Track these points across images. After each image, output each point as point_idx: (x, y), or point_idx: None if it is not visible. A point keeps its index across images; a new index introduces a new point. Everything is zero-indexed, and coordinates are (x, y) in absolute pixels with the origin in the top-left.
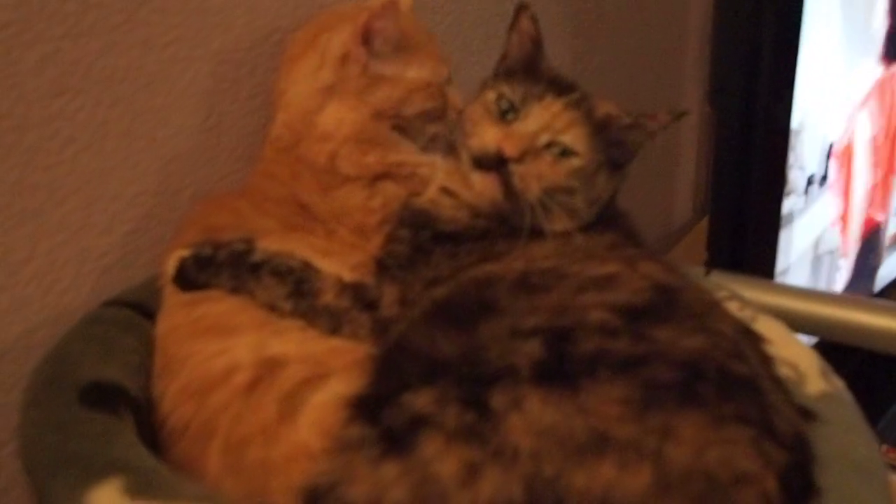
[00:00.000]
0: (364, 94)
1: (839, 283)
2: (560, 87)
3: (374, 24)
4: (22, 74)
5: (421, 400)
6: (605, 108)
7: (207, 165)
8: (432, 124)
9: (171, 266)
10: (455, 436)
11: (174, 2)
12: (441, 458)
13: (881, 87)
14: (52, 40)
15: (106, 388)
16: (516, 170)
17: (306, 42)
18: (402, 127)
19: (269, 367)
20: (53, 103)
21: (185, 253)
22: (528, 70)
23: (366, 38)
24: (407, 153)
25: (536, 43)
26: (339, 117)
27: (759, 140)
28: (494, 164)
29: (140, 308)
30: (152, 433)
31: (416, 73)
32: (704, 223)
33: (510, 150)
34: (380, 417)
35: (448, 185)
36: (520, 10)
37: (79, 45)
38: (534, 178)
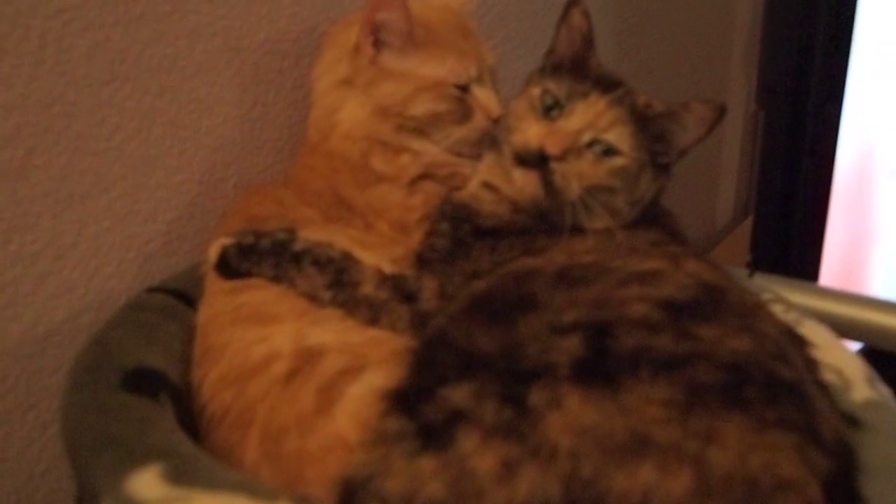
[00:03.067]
0: (369, 89)
1: None
2: (606, 84)
3: (377, 14)
4: (73, 62)
5: (458, 394)
6: (644, 99)
7: (251, 155)
8: (455, 127)
9: (213, 254)
10: (493, 432)
11: None
12: (478, 454)
13: None
14: (104, 28)
15: (148, 373)
16: (558, 168)
17: (333, 35)
18: (416, 129)
19: (308, 357)
20: (103, 91)
21: (227, 241)
22: (575, 66)
23: (371, 28)
24: (433, 155)
25: (587, 38)
26: (354, 115)
27: (808, 140)
28: (536, 161)
29: (182, 295)
30: (191, 420)
31: (429, 70)
32: (746, 224)
33: (552, 148)
34: (417, 411)
35: (490, 180)
36: (571, 3)
37: (129, 33)
38: (575, 176)
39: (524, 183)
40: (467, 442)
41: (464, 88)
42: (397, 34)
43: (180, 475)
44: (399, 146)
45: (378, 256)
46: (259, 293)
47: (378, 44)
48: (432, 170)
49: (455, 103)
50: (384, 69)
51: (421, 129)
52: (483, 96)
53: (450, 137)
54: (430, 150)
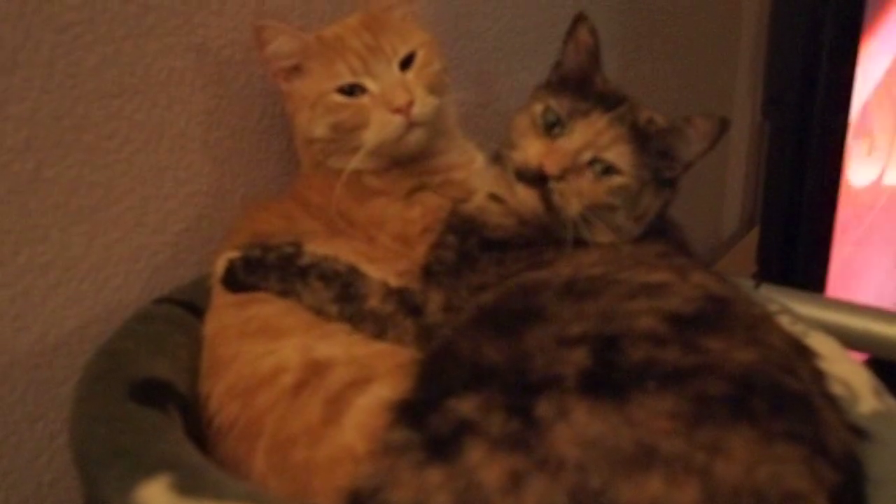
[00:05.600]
0: (293, 122)
1: None
2: (609, 101)
3: (266, 49)
4: (83, 75)
5: (465, 406)
6: (646, 114)
7: (259, 167)
8: (363, 132)
9: (220, 267)
10: (499, 443)
11: (232, 5)
12: (485, 466)
13: None
14: (113, 42)
15: (156, 384)
16: (556, 187)
17: None
18: (336, 149)
19: (315, 370)
20: (112, 103)
21: (234, 255)
22: (580, 82)
23: (270, 64)
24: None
25: (593, 55)
26: (300, 154)
27: (814, 151)
28: (535, 179)
29: (189, 306)
30: (199, 431)
31: (312, 85)
32: (752, 235)
33: (551, 168)
34: (424, 422)
35: (496, 192)
36: (578, 20)
37: (138, 46)
38: (574, 195)
39: (525, 198)
40: (474, 453)
41: (352, 89)
42: (294, 56)
43: (189, 486)
44: (339, 169)
45: (384, 270)
46: (266, 307)
47: (289, 75)
48: (425, 179)
49: (344, 109)
50: (295, 101)
51: (338, 146)
52: (378, 86)
53: (365, 146)
54: (370, 163)
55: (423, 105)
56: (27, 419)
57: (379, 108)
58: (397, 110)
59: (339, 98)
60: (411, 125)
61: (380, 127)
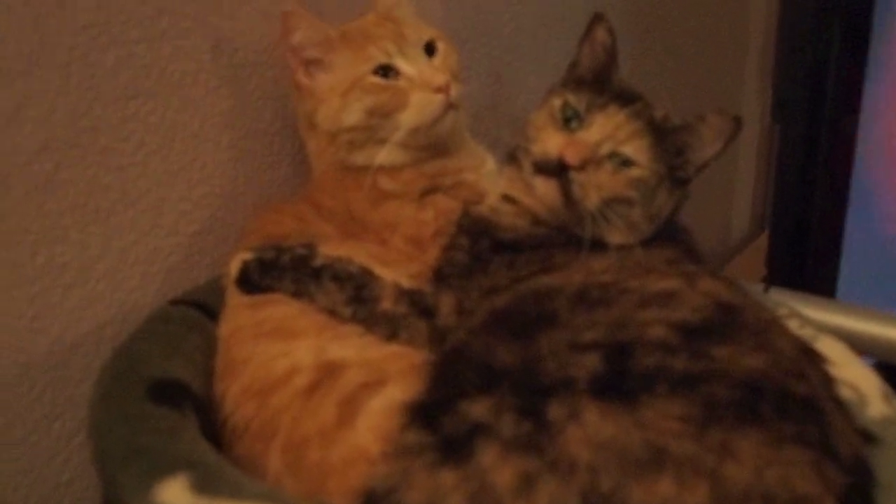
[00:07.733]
0: (314, 120)
1: None
2: (625, 97)
3: (292, 37)
4: (99, 77)
5: (478, 408)
6: (661, 111)
7: (271, 169)
8: (400, 115)
9: (234, 269)
10: (512, 445)
11: (244, 7)
12: (498, 468)
13: None
14: (128, 44)
15: (172, 384)
16: (576, 178)
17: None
18: (366, 138)
19: (329, 371)
20: (128, 106)
21: (248, 256)
22: (597, 80)
23: (295, 55)
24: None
25: (611, 54)
26: (318, 154)
27: (824, 154)
28: (555, 170)
29: (204, 308)
30: (213, 431)
31: (344, 72)
32: (762, 239)
33: (572, 158)
34: (437, 424)
35: (510, 193)
36: (595, 20)
37: (152, 49)
38: (593, 187)
39: (544, 191)
40: (487, 455)
41: (386, 71)
42: (318, 47)
43: (206, 485)
44: (362, 165)
45: (396, 272)
46: (280, 308)
47: (310, 68)
48: (437, 181)
49: (383, 91)
50: (318, 94)
51: (369, 135)
52: (413, 68)
53: (401, 128)
54: (396, 156)
55: (457, 88)
56: (45, 419)
57: (417, 89)
58: (438, 90)
59: (377, 80)
60: (450, 106)
61: (420, 107)
